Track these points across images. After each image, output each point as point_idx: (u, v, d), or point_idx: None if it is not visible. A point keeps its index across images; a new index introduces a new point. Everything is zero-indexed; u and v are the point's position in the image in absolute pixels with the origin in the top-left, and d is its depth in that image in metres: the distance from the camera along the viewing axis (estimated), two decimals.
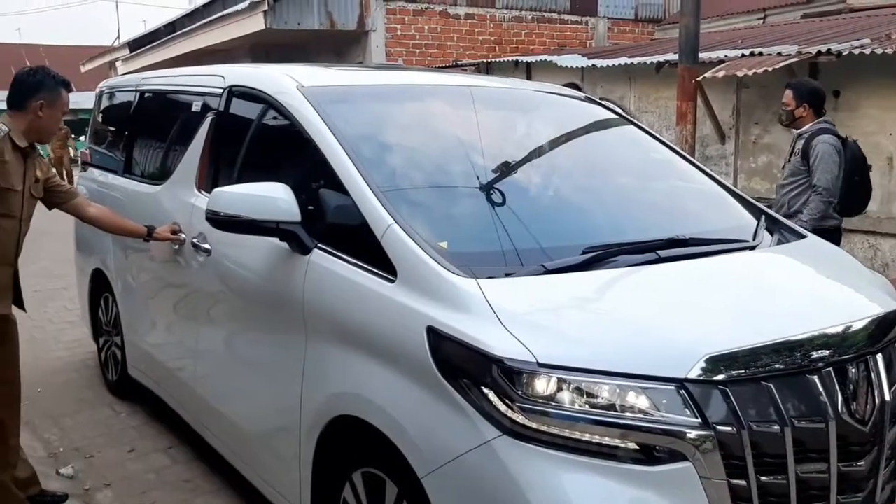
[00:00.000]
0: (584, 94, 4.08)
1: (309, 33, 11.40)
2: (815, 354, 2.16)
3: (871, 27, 7.81)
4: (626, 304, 2.28)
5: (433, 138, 3.19)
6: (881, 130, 6.87)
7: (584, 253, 2.44)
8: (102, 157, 5.26)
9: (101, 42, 39.43)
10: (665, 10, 14.33)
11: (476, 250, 2.49)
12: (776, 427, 2.03)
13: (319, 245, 2.67)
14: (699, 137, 7.88)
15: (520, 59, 11.06)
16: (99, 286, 4.97)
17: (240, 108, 3.53)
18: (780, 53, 7.25)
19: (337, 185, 2.66)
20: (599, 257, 2.44)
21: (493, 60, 11.64)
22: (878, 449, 2.20)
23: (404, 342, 2.26)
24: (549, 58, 10.36)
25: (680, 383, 1.99)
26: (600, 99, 4.06)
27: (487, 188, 2.83)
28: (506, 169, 3.05)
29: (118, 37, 29.46)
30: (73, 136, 19.85)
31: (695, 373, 2.00)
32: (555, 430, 1.98)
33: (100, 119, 5.51)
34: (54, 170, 3.80)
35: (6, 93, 3.28)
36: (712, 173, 3.51)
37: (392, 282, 2.37)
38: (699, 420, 1.97)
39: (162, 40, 15.36)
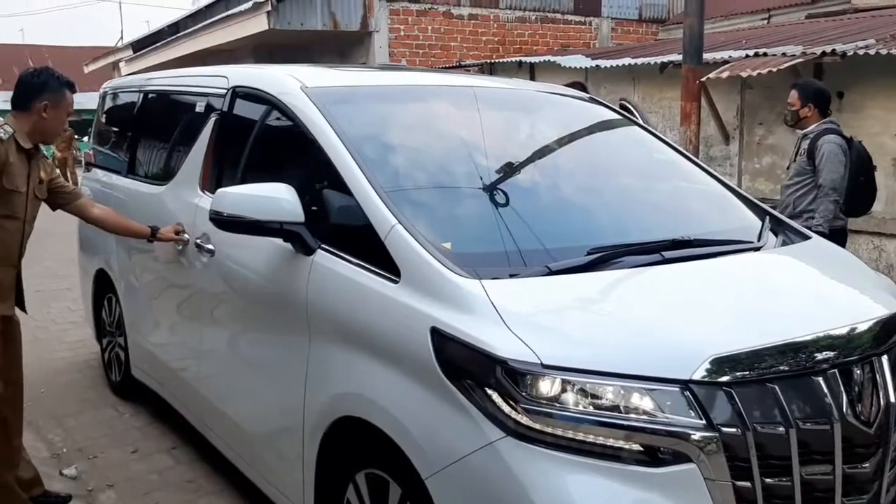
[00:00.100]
0: (587, 95, 4.08)
1: (312, 34, 11.41)
2: (819, 356, 2.15)
3: (876, 27, 7.79)
4: (631, 305, 2.27)
5: (437, 139, 3.19)
6: (886, 131, 6.85)
7: (588, 254, 2.44)
8: (106, 158, 5.26)
9: (105, 43, 39.59)
10: (669, 10, 14.30)
11: (480, 251, 2.49)
12: (781, 429, 2.02)
13: (323, 246, 2.67)
14: (703, 138, 7.87)
15: (523, 59, 11.05)
16: (102, 287, 4.97)
17: (243, 108, 3.53)
18: (784, 54, 7.23)
19: (340, 186, 2.66)
20: (604, 258, 2.43)
21: (497, 61, 11.62)
22: (883, 451, 2.19)
23: (408, 343, 2.26)
24: (552, 58, 10.35)
25: (684, 384, 1.99)
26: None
27: (491, 189, 2.83)
28: (509, 169, 3.04)
29: (121, 37, 29.46)
30: (76, 136, 19.86)
31: (699, 374, 1.99)
32: (559, 432, 1.97)
33: (103, 120, 5.52)
34: (58, 171, 3.80)
35: (10, 94, 3.29)
36: (716, 174, 3.50)
37: (396, 282, 2.37)
38: (703, 421, 1.97)
39: (165, 41, 15.39)
